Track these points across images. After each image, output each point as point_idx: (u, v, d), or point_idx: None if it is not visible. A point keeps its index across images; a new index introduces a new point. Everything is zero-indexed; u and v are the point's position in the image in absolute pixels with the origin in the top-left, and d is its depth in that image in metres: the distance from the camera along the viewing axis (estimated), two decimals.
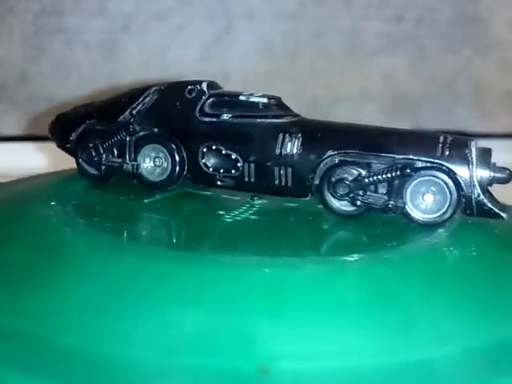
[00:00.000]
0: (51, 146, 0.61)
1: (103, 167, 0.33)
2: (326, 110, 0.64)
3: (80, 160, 0.34)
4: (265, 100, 0.31)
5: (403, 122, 0.66)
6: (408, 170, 0.29)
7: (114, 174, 0.33)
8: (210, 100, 0.31)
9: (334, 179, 0.29)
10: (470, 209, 0.29)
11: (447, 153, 0.29)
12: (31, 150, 0.60)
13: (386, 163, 0.29)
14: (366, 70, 0.64)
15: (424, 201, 0.29)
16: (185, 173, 0.32)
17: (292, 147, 0.30)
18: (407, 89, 0.65)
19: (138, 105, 0.33)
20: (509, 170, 0.30)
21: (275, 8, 0.62)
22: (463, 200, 0.29)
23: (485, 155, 0.30)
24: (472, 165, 0.29)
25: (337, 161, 0.29)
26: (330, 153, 0.29)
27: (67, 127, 0.35)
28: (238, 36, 0.62)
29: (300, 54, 0.63)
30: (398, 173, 0.29)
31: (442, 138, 0.30)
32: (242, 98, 0.31)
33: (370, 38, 0.64)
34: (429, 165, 0.29)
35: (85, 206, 0.31)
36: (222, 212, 0.30)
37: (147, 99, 0.32)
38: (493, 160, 0.31)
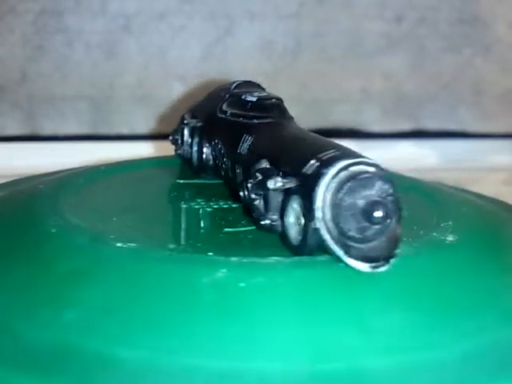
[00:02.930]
0: (51, 146, 0.61)
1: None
2: (326, 110, 0.64)
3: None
4: (253, 99, 0.32)
5: (403, 122, 0.66)
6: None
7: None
8: (230, 99, 0.33)
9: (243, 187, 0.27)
10: (300, 239, 0.25)
11: (309, 172, 0.24)
12: (31, 149, 0.60)
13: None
14: (367, 70, 0.64)
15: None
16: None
17: (244, 148, 0.30)
18: (407, 89, 0.65)
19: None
20: (385, 208, 0.23)
21: (276, 8, 0.62)
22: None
23: (358, 184, 0.23)
24: (316, 190, 0.23)
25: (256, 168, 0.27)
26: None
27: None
28: (238, 36, 0.62)
29: (300, 54, 0.63)
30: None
31: (320, 155, 0.24)
32: (243, 97, 0.32)
33: (371, 38, 0.64)
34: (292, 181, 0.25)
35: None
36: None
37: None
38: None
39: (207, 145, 0.33)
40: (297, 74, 0.63)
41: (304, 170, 0.24)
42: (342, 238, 0.23)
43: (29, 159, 0.58)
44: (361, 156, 0.24)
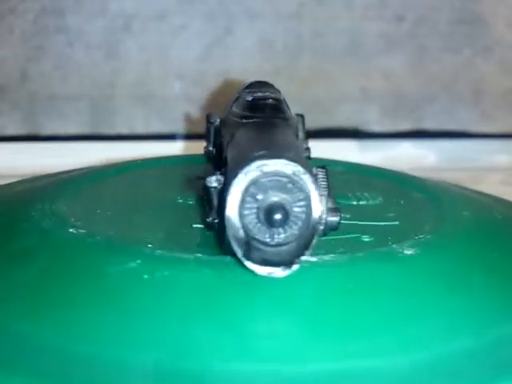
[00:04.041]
0: (52, 145, 0.61)
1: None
2: (326, 110, 0.64)
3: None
4: (249, 99, 0.32)
5: (403, 122, 0.66)
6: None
7: None
8: (239, 98, 0.33)
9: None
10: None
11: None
12: (31, 149, 0.60)
13: None
14: (367, 70, 0.64)
15: None
16: None
17: (226, 147, 0.30)
18: (407, 89, 0.65)
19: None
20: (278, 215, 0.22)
21: (276, 8, 0.62)
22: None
23: (266, 186, 0.23)
24: (228, 189, 0.23)
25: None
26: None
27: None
28: (238, 36, 0.62)
29: (300, 54, 0.63)
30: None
31: (251, 155, 0.24)
32: (244, 96, 0.32)
33: (371, 38, 0.64)
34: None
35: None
36: None
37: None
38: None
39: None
40: (297, 74, 0.63)
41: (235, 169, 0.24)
42: (247, 239, 0.23)
43: (29, 159, 0.58)
44: (288, 158, 0.23)
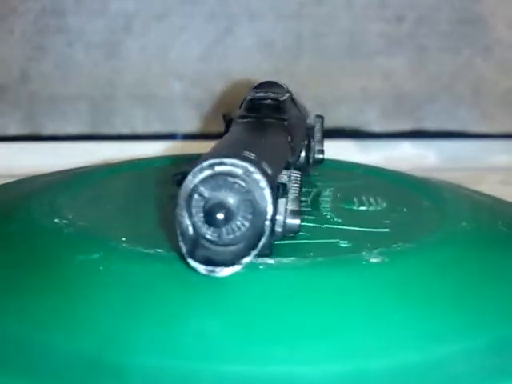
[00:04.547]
0: (52, 145, 0.61)
1: None
2: (326, 111, 0.64)
3: None
4: (249, 97, 0.32)
5: (403, 122, 0.66)
6: None
7: None
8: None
9: None
10: None
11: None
12: (32, 149, 0.60)
13: None
14: (367, 71, 0.64)
15: None
16: None
17: None
18: (407, 89, 0.65)
19: None
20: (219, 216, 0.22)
21: (276, 8, 0.62)
22: None
23: (214, 184, 0.23)
24: (181, 187, 0.23)
25: None
26: None
27: None
28: (238, 36, 0.62)
29: (301, 54, 0.63)
30: None
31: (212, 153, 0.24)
32: (247, 96, 0.32)
33: (371, 38, 0.64)
34: None
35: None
36: None
37: None
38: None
39: None
40: (297, 74, 0.63)
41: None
42: (196, 237, 0.23)
43: (29, 159, 0.58)
44: (242, 158, 0.23)
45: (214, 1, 0.62)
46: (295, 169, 0.30)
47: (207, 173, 0.22)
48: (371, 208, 0.33)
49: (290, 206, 0.25)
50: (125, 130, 0.63)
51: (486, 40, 0.65)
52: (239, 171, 0.22)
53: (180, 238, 0.23)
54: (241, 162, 0.22)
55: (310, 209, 0.32)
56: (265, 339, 0.22)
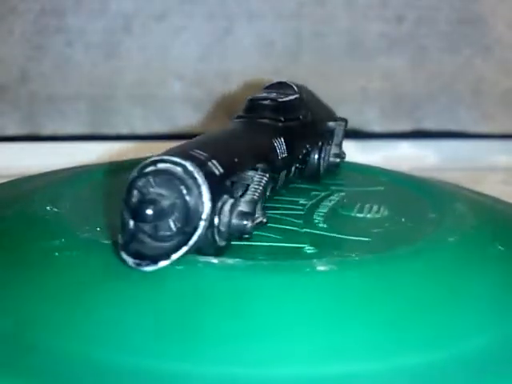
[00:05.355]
0: (51, 146, 0.61)
1: None
2: None
3: None
4: (249, 97, 0.32)
5: (403, 122, 0.66)
6: None
7: None
8: None
9: None
10: None
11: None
12: (31, 149, 0.60)
13: None
14: (367, 71, 0.64)
15: None
16: None
17: None
18: (407, 89, 0.65)
19: None
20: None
21: (276, 8, 0.62)
22: None
23: (150, 181, 0.23)
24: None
25: None
26: None
27: None
28: (238, 36, 0.62)
29: (300, 54, 0.63)
30: None
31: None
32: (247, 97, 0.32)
33: (371, 38, 0.64)
34: None
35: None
36: None
37: None
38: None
39: None
40: (297, 74, 0.63)
41: None
42: (134, 231, 0.23)
43: (29, 159, 0.58)
44: (184, 157, 0.23)
45: (214, 1, 0.62)
46: (288, 171, 0.30)
47: (149, 169, 0.23)
48: (369, 216, 0.32)
49: (242, 208, 0.24)
50: (124, 130, 0.63)
51: (485, 40, 0.65)
52: (178, 169, 0.23)
53: (121, 231, 0.23)
54: (180, 160, 0.23)
55: (302, 212, 0.32)
56: (164, 335, 0.22)
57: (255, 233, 0.27)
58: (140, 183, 0.23)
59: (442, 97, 0.66)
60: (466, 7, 0.64)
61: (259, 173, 0.27)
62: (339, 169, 0.38)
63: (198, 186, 0.23)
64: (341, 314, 0.23)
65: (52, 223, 0.28)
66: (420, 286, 0.25)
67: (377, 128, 0.65)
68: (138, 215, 0.22)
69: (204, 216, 0.23)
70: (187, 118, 0.63)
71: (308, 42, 0.63)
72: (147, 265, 0.23)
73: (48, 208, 0.30)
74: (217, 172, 0.24)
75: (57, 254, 0.26)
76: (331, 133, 0.37)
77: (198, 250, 0.24)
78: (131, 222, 0.23)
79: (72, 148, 0.60)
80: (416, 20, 0.64)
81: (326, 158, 0.35)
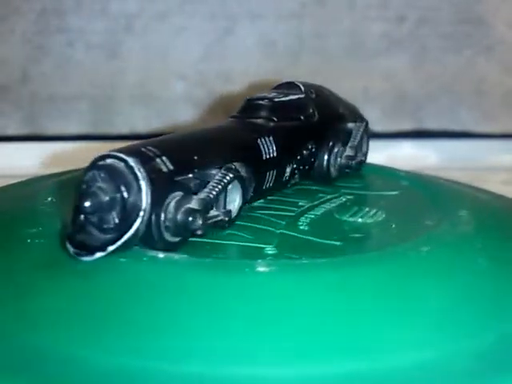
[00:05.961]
0: (52, 146, 0.61)
1: None
2: None
3: None
4: (247, 97, 0.32)
5: (404, 122, 0.66)
6: None
7: None
8: None
9: None
10: None
11: None
12: (33, 149, 0.60)
13: None
14: (368, 71, 0.64)
15: None
16: None
17: None
18: (409, 89, 0.65)
19: None
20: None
21: (277, 8, 0.62)
22: None
23: (96, 175, 0.24)
24: None
25: None
26: None
27: None
28: (239, 36, 0.62)
29: (302, 55, 0.63)
30: None
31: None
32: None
33: (372, 39, 0.64)
34: None
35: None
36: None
37: None
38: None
39: None
40: (298, 74, 0.63)
41: None
42: (84, 222, 0.24)
43: (30, 159, 0.58)
44: (128, 153, 0.24)
45: (215, 1, 0.62)
46: (281, 172, 0.30)
47: (98, 163, 0.24)
48: (360, 220, 0.31)
49: (191, 205, 0.25)
50: (125, 130, 0.63)
51: (487, 40, 0.65)
52: (120, 164, 0.23)
53: (72, 222, 0.24)
54: (123, 156, 0.23)
55: (293, 214, 0.31)
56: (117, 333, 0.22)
57: (228, 231, 0.27)
58: (87, 177, 0.24)
59: (443, 97, 0.65)
60: (468, 7, 0.64)
61: (222, 171, 0.26)
62: (360, 171, 0.37)
63: (138, 181, 0.23)
64: (269, 317, 0.23)
65: (35, 216, 0.29)
66: (363, 292, 0.24)
67: (378, 128, 0.65)
68: (79, 207, 0.23)
69: (141, 212, 0.23)
70: (188, 118, 0.63)
71: (309, 42, 0.63)
72: (85, 255, 0.23)
73: (40, 205, 0.30)
74: (164, 169, 0.24)
75: (29, 240, 0.27)
76: (348, 134, 0.36)
77: (147, 244, 0.24)
78: (82, 215, 0.24)
79: (73, 148, 0.60)
80: (417, 20, 0.64)
81: (338, 159, 0.35)
